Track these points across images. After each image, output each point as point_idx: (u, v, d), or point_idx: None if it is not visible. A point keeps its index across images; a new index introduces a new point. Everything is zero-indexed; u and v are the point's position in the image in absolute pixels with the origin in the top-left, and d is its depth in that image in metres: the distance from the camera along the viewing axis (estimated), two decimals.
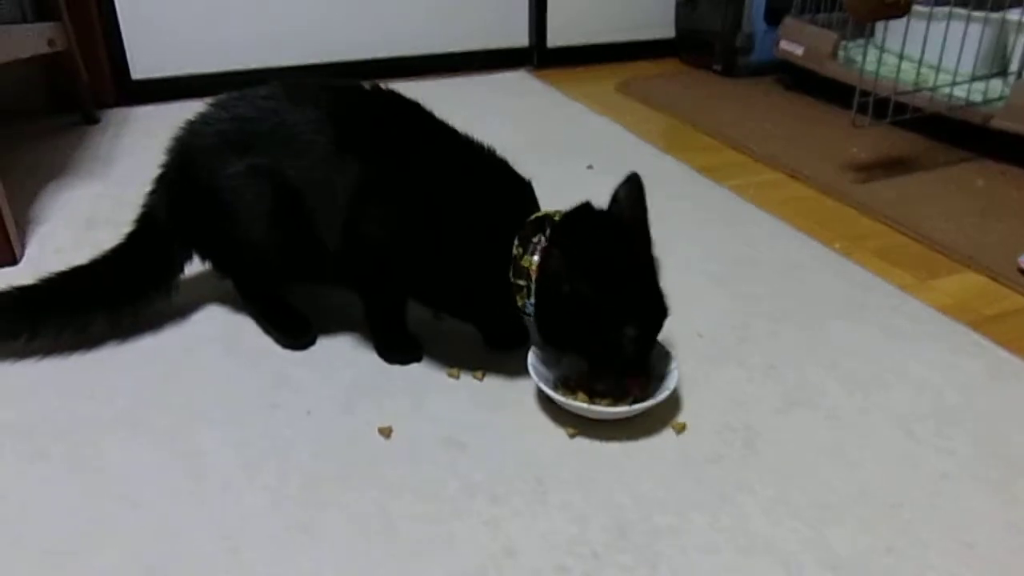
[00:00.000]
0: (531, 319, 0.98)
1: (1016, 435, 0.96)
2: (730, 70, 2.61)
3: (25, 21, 1.82)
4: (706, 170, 1.80)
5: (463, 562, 0.78)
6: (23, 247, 1.39)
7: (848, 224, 1.55)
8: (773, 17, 2.49)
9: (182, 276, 1.19)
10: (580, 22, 2.79)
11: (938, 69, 1.80)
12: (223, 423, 0.97)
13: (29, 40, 1.79)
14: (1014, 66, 1.92)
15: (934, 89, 1.82)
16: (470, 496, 0.86)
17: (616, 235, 0.94)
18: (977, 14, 1.82)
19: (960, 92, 1.82)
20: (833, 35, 2.19)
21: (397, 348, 1.10)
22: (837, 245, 1.44)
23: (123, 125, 2.11)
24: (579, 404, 0.95)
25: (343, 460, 0.91)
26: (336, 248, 1.04)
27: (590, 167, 1.80)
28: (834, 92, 2.19)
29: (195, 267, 1.20)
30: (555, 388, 0.98)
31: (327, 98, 1.07)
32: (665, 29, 2.89)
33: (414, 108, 1.08)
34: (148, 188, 1.17)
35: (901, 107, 1.78)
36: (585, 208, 0.97)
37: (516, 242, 0.96)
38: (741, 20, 2.55)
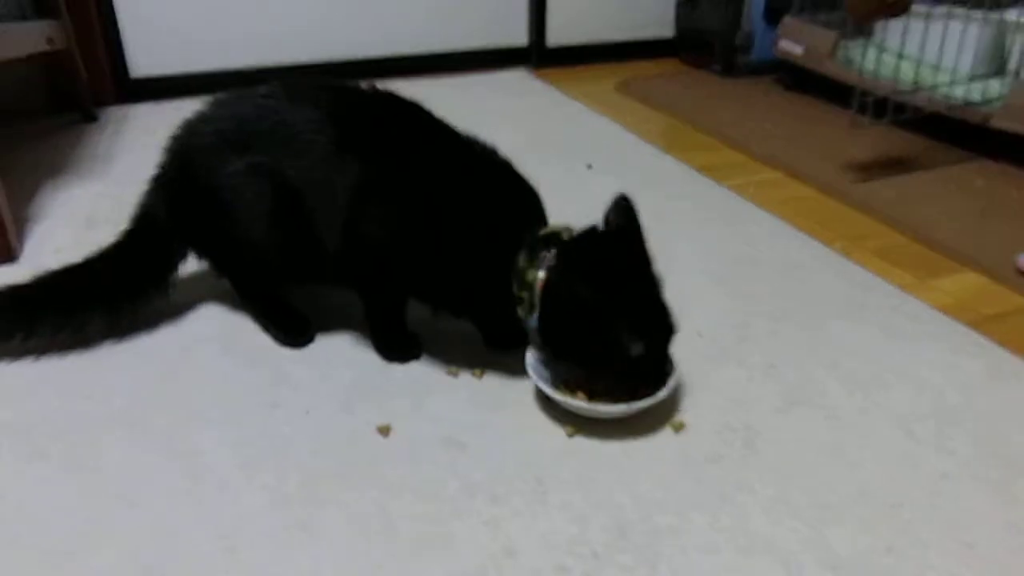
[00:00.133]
0: (531, 330, 0.98)
1: (1016, 435, 0.96)
2: (730, 70, 2.61)
3: (24, 19, 1.82)
4: (706, 170, 1.80)
5: (463, 562, 0.78)
6: (22, 245, 1.39)
7: (848, 224, 1.55)
8: (772, 16, 2.49)
9: (180, 275, 1.19)
10: (580, 21, 2.79)
11: (937, 69, 1.80)
12: (221, 422, 0.97)
13: (28, 38, 1.79)
14: (1013, 65, 1.92)
15: (933, 89, 1.81)
16: (470, 496, 0.86)
17: (621, 256, 0.95)
18: (976, 14, 1.82)
19: (959, 92, 1.82)
20: (832, 34, 2.19)
21: (396, 347, 1.10)
22: (837, 245, 1.44)
23: (122, 123, 2.11)
24: (579, 403, 0.95)
25: (342, 459, 0.91)
26: (336, 248, 1.04)
27: (589, 167, 1.80)
28: (834, 92, 2.19)
29: (193, 266, 1.20)
30: (554, 387, 0.98)
31: (327, 98, 1.07)
32: (665, 28, 2.89)
33: (414, 108, 1.08)
34: (146, 186, 1.17)
35: (900, 107, 1.78)
36: (593, 230, 0.98)
37: (522, 254, 0.96)
38: (741, 19, 2.55)
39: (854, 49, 2.21)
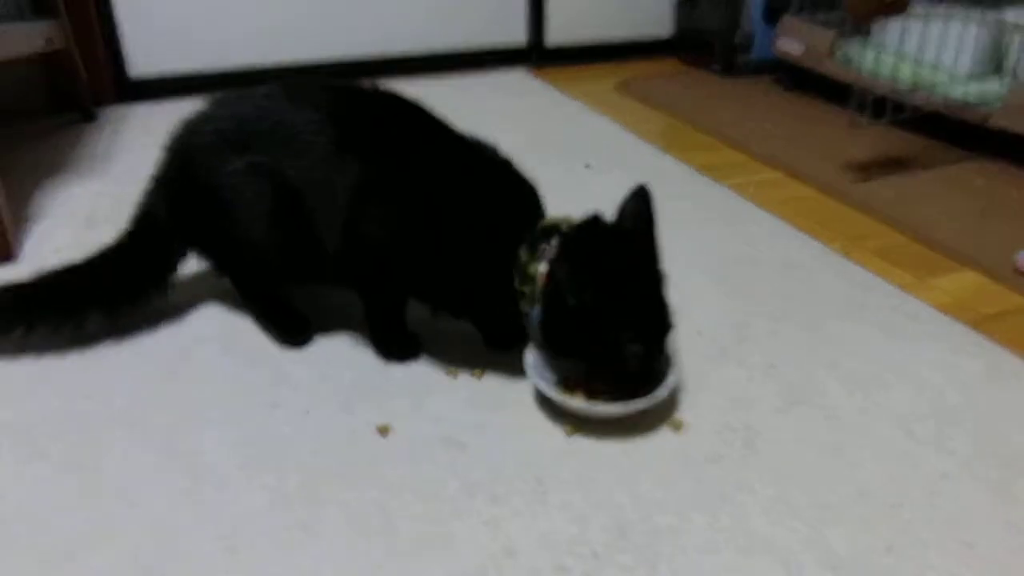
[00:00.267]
0: (533, 324, 0.98)
1: (1016, 435, 0.96)
2: (729, 69, 2.61)
3: (23, 19, 1.82)
4: (705, 169, 1.80)
5: (463, 562, 0.78)
6: (21, 245, 1.39)
7: (848, 223, 1.55)
8: (772, 16, 2.49)
9: (180, 275, 1.19)
10: (579, 21, 2.79)
11: (936, 68, 1.80)
12: (221, 422, 0.97)
13: (27, 38, 1.79)
14: (1011, 65, 1.92)
15: (932, 88, 1.82)
16: (469, 496, 0.86)
17: (624, 249, 0.94)
18: (974, 14, 1.82)
19: (958, 91, 1.82)
20: (831, 34, 2.19)
21: (396, 347, 1.10)
22: (837, 244, 1.44)
23: (121, 123, 2.11)
24: (578, 403, 0.95)
25: (342, 459, 0.91)
26: (336, 248, 1.04)
27: (588, 166, 1.80)
28: (833, 91, 2.19)
29: (193, 266, 1.20)
30: (554, 388, 0.98)
31: (327, 98, 1.07)
32: (664, 28, 2.89)
33: (414, 108, 1.08)
34: (146, 186, 1.17)
35: (899, 106, 1.78)
36: (594, 221, 0.97)
37: (523, 248, 0.96)
38: (740, 19, 2.55)
39: (853, 49, 2.22)
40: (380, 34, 2.54)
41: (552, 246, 0.95)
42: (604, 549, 0.79)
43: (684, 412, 0.99)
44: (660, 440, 0.95)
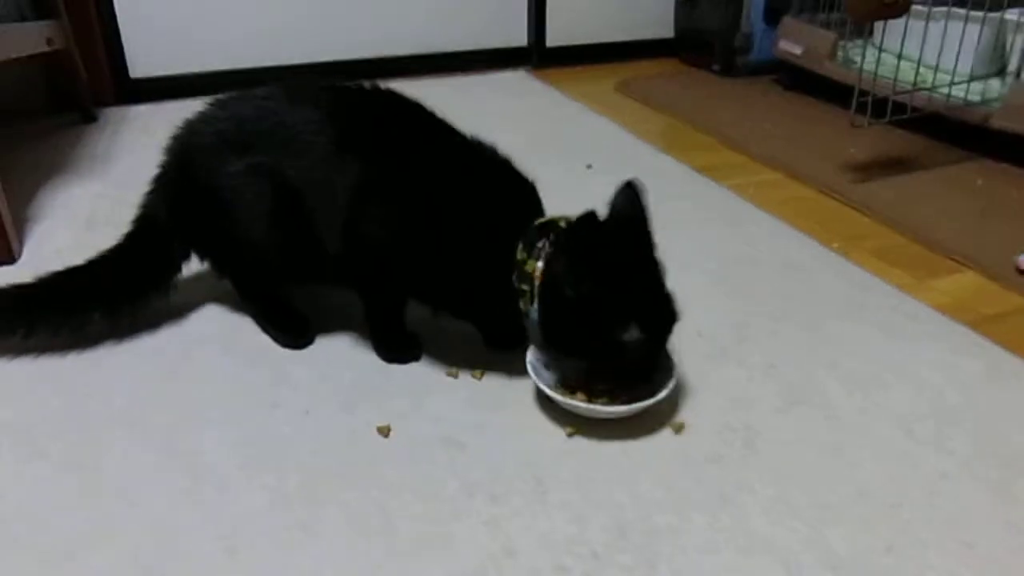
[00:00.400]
0: (533, 323, 0.98)
1: (1016, 435, 0.96)
2: (729, 70, 2.61)
3: (23, 20, 1.82)
4: (705, 170, 1.80)
5: (463, 562, 0.78)
6: (22, 246, 1.39)
7: (847, 224, 1.55)
8: (772, 17, 2.49)
9: (180, 275, 1.19)
10: (579, 22, 2.79)
11: (936, 69, 1.80)
12: (221, 422, 0.97)
13: (27, 39, 1.79)
14: (1012, 66, 1.92)
15: (932, 89, 1.82)
16: (469, 496, 0.86)
17: (620, 241, 0.94)
18: (975, 14, 1.82)
19: (959, 92, 1.82)
20: (832, 35, 2.19)
21: (396, 347, 1.10)
22: (836, 245, 1.44)
23: (122, 124, 2.11)
24: (578, 404, 0.95)
25: (342, 459, 0.91)
26: (336, 248, 1.04)
27: (589, 167, 1.80)
28: (833, 92, 2.19)
29: (193, 267, 1.20)
30: (554, 388, 0.98)
31: (327, 98, 1.07)
32: (664, 29, 2.89)
33: (415, 108, 1.08)
34: (147, 187, 1.17)
35: (900, 107, 1.78)
36: (590, 216, 0.97)
37: (520, 246, 0.96)
38: (740, 20, 2.55)
39: (853, 49, 2.22)
40: (381, 35, 2.54)
41: (548, 243, 0.95)
42: (604, 549, 0.79)
43: (684, 412, 0.99)
44: (660, 440, 0.95)
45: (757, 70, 2.58)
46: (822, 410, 1.00)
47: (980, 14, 1.82)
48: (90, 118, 2.11)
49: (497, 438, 0.95)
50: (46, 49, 1.87)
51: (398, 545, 0.80)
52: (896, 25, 1.79)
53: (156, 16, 2.26)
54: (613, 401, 0.96)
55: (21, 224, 1.46)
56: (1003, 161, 1.80)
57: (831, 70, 2.18)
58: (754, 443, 0.94)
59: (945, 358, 1.11)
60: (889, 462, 0.91)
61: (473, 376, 1.06)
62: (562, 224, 0.97)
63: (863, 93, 1.72)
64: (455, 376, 1.06)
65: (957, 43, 1.80)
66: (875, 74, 1.80)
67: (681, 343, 0.98)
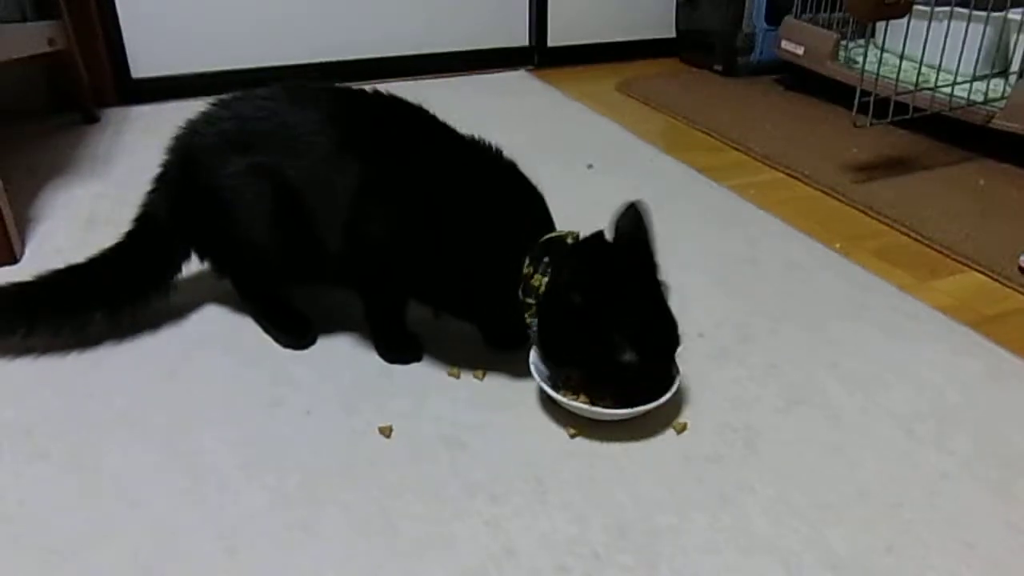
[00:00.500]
0: (535, 336, 0.98)
1: (1016, 435, 0.96)
2: (730, 70, 2.61)
3: (25, 20, 1.82)
4: (706, 170, 1.80)
5: (463, 562, 0.78)
6: (23, 246, 1.39)
7: (848, 224, 1.55)
8: (774, 17, 2.49)
9: (181, 275, 1.19)
10: (580, 22, 2.79)
11: (939, 69, 1.80)
12: (222, 422, 0.97)
13: (29, 39, 1.79)
14: (1015, 66, 1.92)
15: (935, 89, 1.81)
16: (470, 496, 0.86)
17: (625, 263, 0.94)
18: (978, 14, 1.82)
19: (961, 92, 1.82)
20: (834, 35, 2.19)
21: (397, 348, 1.10)
22: (837, 245, 1.44)
23: (123, 124, 2.11)
24: (580, 405, 0.95)
25: (343, 459, 0.91)
26: (337, 249, 1.04)
27: (590, 167, 1.80)
28: (835, 92, 2.19)
29: (194, 267, 1.20)
30: (557, 388, 0.98)
31: (328, 99, 1.07)
32: (665, 29, 2.88)
33: (415, 110, 1.08)
34: (148, 187, 1.17)
35: (902, 107, 1.78)
36: (598, 236, 0.97)
37: (527, 260, 0.95)
38: (742, 20, 2.55)
39: (855, 50, 2.22)
40: (382, 35, 2.54)
41: (556, 257, 0.94)
42: (604, 549, 0.79)
43: (685, 412, 0.99)
44: (661, 440, 0.95)
45: (758, 70, 2.57)
46: (823, 410, 1.00)
47: (983, 14, 1.82)
48: (91, 118, 2.11)
49: (498, 438, 0.95)
50: (47, 49, 1.87)
51: (399, 545, 0.80)
52: (898, 25, 1.79)
53: (158, 16, 2.26)
54: (615, 402, 0.95)
55: (23, 224, 1.46)
56: (1005, 161, 1.80)
57: (833, 70, 2.17)
58: (755, 443, 0.94)
59: (946, 358, 1.11)
60: (890, 462, 0.91)
61: (475, 376, 1.06)
62: (569, 241, 0.97)
63: (865, 93, 1.71)
64: (456, 376, 1.06)
65: (959, 43, 1.79)
66: (877, 74, 1.80)
67: (682, 343, 0.98)
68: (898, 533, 0.81)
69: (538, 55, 2.76)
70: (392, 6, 2.52)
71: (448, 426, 0.97)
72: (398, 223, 1.00)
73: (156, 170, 1.16)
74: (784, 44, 2.37)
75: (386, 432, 0.95)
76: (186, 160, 1.12)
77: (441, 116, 1.08)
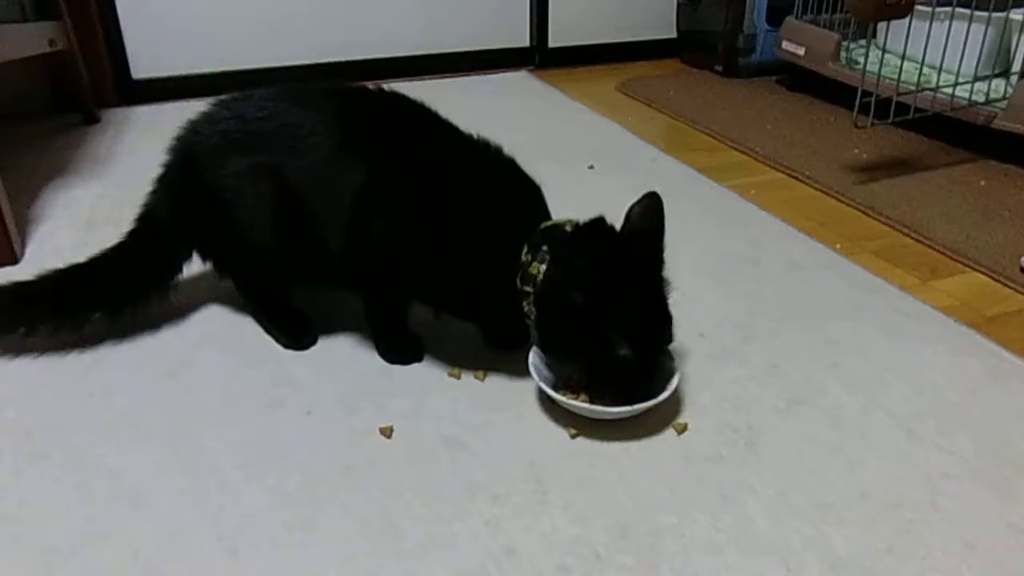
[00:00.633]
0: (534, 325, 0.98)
1: (1017, 435, 0.96)
2: (731, 71, 2.61)
3: (25, 20, 1.82)
4: (707, 170, 1.80)
5: (464, 562, 0.78)
6: (23, 246, 1.39)
7: (849, 224, 1.55)
8: (774, 18, 2.49)
9: (182, 276, 1.19)
10: (581, 22, 2.79)
11: (940, 70, 1.80)
12: (222, 422, 0.97)
13: (30, 40, 1.79)
14: (1016, 66, 1.91)
15: (936, 90, 1.81)
16: (471, 496, 0.86)
17: (624, 254, 0.94)
18: (980, 14, 1.82)
19: (962, 93, 1.82)
20: (835, 36, 2.19)
21: (398, 348, 1.10)
22: (838, 245, 1.44)
23: (124, 125, 2.11)
24: (580, 404, 0.95)
25: (344, 460, 0.91)
26: (339, 249, 1.04)
27: (591, 167, 1.80)
28: (836, 93, 2.18)
29: (195, 267, 1.20)
30: (556, 388, 0.98)
31: (330, 99, 1.07)
32: (666, 29, 2.89)
33: (418, 109, 1.08)
34: (149, 187, 1.17)
35: (903, 108, 1.78)
36: (597, 223, 0.96)
37: (525, 249, 0.95)
38: (742, 21, 2.55)
39: (856, 50, 2.21)
40: (383, 36, 2.54)
41: (554, 245, 0.94)
42: (605, 549, 0.79)
43: (686, 412, 0.99)
44: (661, 440, 0.95)
45: (760, 71, 2.57)
46: (824, 410, 1.00)
47: (984, 14, 1.82)
48: (92, 119, 2.11)
49: (499, 438, 0.95)
50: (48, 50, 1.87)
51: (399, 545, 0.79)
52: (899, 26, 1.79)
53: (158, 17, 2.27)
54: (615, 402, 0.95)
55: (23, 225, 1.46)
56: (1006, 162, 1.80)
57: (834, 71, 2.17)
58: (756, 443, 0.94)
59: (947, 358, 1.11)
60: (890, 462, 0.91)
61: (475, 377, 1.05)
62: (567, 228, 0.96)
63: (866, 94, 1.71)
64: (457, 377, 1.06)
65: (961, 44, 1.79)
66: (878, 75, 1.80)
67: (683, 343, 0.98)
68: (898, 533, 0.81)
69: (539, 56, 2.76)
70: (393, 6, 2.52)
71: (448, 426, 0.96)
72: (399, 222, 1.00)
73: (157, 170, 1.16)
74: (785, 45, 2.37)
75: (387, 432, 0.95)
76: (187, 160, 1.12)
77: (444, 117, 1.07)
